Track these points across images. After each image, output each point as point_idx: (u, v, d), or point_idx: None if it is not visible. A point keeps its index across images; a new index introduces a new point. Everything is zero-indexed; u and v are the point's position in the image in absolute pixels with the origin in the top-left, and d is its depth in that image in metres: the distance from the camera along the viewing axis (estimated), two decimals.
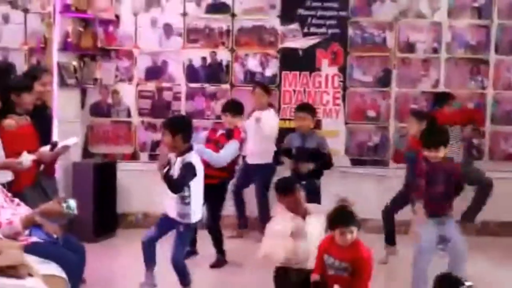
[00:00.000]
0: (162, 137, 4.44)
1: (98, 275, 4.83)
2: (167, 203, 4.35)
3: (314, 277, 3.69)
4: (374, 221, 6.32)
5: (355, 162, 6.49)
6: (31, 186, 4.28)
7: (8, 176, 4.09)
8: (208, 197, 4.77)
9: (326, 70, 6.42)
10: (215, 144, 5.25)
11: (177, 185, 4.19)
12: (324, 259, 3.64)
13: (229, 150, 5.20)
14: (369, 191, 6.37)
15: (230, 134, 5.30)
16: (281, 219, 4.25)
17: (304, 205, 4.27)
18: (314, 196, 5.03)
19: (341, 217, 3.62)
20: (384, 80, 6.44)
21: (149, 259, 4.42)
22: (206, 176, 4.59)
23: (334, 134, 6.40)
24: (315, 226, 4.23)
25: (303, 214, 4.26)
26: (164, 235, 4.43)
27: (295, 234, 4.15)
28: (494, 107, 6.41)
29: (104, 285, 4.80)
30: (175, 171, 4.24)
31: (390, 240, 5.58)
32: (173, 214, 4.30)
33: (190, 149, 4.34)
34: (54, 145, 4.44)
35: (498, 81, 6.42)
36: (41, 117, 4.63)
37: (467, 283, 2.59)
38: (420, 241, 4.34)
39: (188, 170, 4.21)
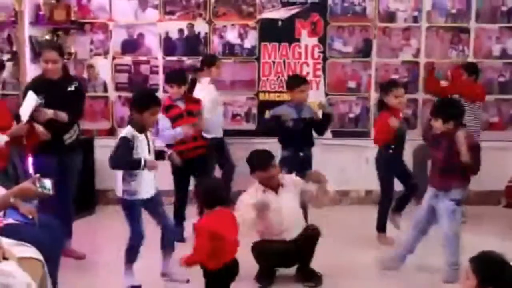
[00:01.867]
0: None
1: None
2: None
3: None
4: (355, 192, 6.52)
5: (336, 134, 6.47)
6: (4, 167, 4.21)
7: None
8: None
9: (306, 41, 6.36)
10: (190, 115, 5.21)
11: (110, 160, 4.19)
12: None
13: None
14: (350, 163, 6.42)
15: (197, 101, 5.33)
16: (250, 193, 4.33)
17: (277, 178, 4.34)
18: (303, 166, 5.07)
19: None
20: (364, 51, 6.40)
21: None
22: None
23: (315, 106, 6.25)
24: (290, 199, 4.37)
25: (276, 188, 4.33)
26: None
27: (262, 208, 4.23)
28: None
29: (85, 263, 4.79)
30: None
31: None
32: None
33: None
34: (18, 117, 4.39)
35: (479, 50, 6.42)
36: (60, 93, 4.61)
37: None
38: None
39: (120, 143, 4.17)
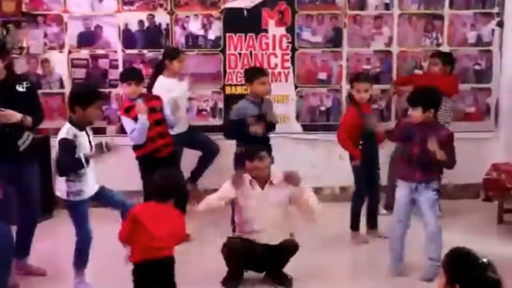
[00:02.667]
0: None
1: (34, 262, 4.64)
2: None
3: None
4: (328, 189, 6.39)
5: (307, 128, 6.34)
6: None
7: None
8: None
9: (273, 31, 6.19)
10: (154, 112, 5.05)
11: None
12: None
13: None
14: (322, 158, 6.28)
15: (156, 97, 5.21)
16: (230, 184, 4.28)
17: (265, 173, 4.22)
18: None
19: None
20: (335, 40, 6.25)
21: None
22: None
23: (284, 99, 6.24)
24: (274, 199, 4.24)
25: (263, 183, 4.24)
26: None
27: (238, 201, 4.24)
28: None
29: (43, 266, 4.64)
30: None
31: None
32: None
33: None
34: None
35: (453, 37, 6.29)
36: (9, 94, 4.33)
37: (483, 260, 2.44)
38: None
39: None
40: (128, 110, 5.02)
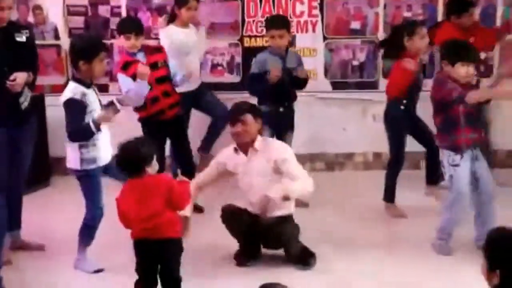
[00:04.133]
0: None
1: (32, 232, 4.47)
2: None
3: None
4: (361, 156, 6.14)
5: (337, 86, 6.02)
6: None
7: None
8: None
9: None
10: (155, 67, 4.67)
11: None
12: None
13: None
14: (355, 120, 6.01)
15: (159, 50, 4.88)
16: (223, 151, 4.20)
17: (245, 138, 4.00)
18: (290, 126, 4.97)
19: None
20: None
21: None
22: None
23: (311, 52, 5.92)
24: (259, 167, 3.98)
25: (245, 150, 4.05)
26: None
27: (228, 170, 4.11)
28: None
29: (40, 241, 4.44)
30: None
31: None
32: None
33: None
34: None
35: None
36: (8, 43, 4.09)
37: None
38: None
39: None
40: (126, 67, 4.62)
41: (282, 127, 4.84)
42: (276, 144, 4.13)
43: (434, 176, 4.91)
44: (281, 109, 4.90)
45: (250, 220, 4.03)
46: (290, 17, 5.71)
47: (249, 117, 3.97)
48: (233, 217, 4.06)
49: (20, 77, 4.00)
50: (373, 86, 5.96)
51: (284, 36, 4.85)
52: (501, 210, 4.09)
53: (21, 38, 4.14)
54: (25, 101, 4.17)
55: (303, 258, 4.00)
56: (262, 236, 4.05)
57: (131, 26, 4.76)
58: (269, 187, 3.84)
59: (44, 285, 3.84)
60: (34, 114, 4.41)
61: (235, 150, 4.06)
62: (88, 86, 3.89)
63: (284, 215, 4.00)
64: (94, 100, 3.90)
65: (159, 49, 4.87)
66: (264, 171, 3.97)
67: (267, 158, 3.97)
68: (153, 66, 4.66)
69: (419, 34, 4.65)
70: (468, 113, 4.03)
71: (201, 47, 5.48)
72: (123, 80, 4.60)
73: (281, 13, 5.76)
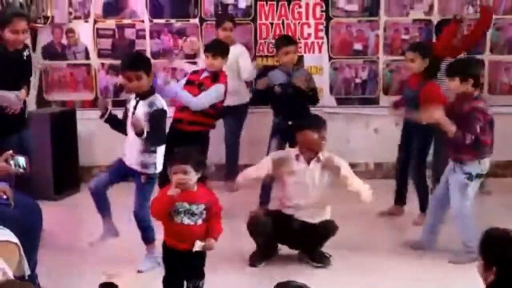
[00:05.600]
0: (125, 79, 4.20)
1: (62, 237, 4.73)
2: (128, 150, 4.20)
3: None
4: (363, 165, 6.38)
5: (342, 102, 6.34)
6: None
7: None
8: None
9: None
10: (198, 86, 5.03)
11: (159, 138, 4.11)
12: (177, 208, 3.41)
13: (212, 93, 4.99)
14: (357, 133, 6.30)
15: (216, 77, 5.06)
16: (282, 151, 4.51)
17: (313, 148, 4.24)
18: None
19: (176, 154, 3.49)
20: (371, 8, 6.24)
21: (102, 208, 4.32)
22: (190, 123, 4.86)
23: (317, 71, 6.25)
24: (318, 177, 4.24)
25: (309, 159, 4.24)
26: (115, 183, 4.32)
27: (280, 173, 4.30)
28: (495, 35, 6.23)
29: (69, 246, 4.69)
30: (139, 114, 4.09)
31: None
32: (134, 163, 4.17)
33: (154, 91, 4.23)
34: None
35: (499, 5, 6.19)
36: (19, 65, 4.53)
37: None
38: None
39: (163, 118, 4.15)
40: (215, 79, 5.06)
41: (292, 139, 4.80)
42: (336, 158, 4.35)
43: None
44: (290, 123, 5.02)
45: (281, 222, 4.22)
46: (299, 39, 6.03)
47: (318, 125, 4.26)
48: (259, 223, 4.22)
49: (23, 95, 4.52)
50: (374, 102, 6.27)
51: (290, 53, 5.16)
52: (487, 218, 4.23)
53: (25, 55, 4.57)
54: (26, 111, 4.66)
55: (320, 259, 4.27)
56: (296, 236, 4.24)
57: (212, 47, 5.09)
58: (322, 195, 4.22)
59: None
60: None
61: (297, 156, 4.28)
62: None
63: (329, 219, 4.30)
64: None
65: (216, 78, 5.04)
66: (324, 180, 4.24)
67: (330, 169, 4.25)
68: (199, 86, 5.00)
69: None
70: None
71: (244, 65, 5.78)
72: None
73: (290, 34, 6.04)
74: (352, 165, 6.05)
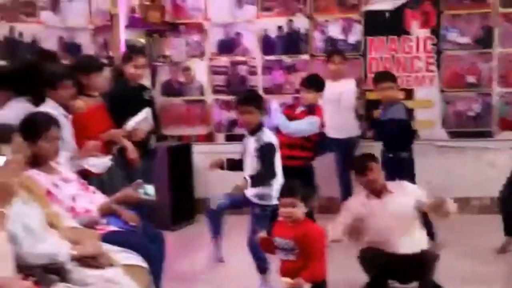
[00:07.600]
0: (240, 114, 4.46)
1: (178, 266, 4.91)
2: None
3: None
4: (476, 200, 6.30)
5: (454, 135, 6.33)
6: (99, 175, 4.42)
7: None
8: None
9: (417, 33, 6.27)
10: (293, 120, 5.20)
11: (269, 174, 4.28)
12: (275, 242, 3.56)
13: (307, 122, 5.11)
14: (471, 167, 6.24)
15: (311, 111, 5.17)
16: (355, 197, 4.43)
17: (378, 183, 4.24)
18: (401, 170, 4.99)
19: (283, 188, 3.63)
20: (484, 40, 6.21)
21: (215, 230, 4.50)
22: (288, 158, 4.78)
23: (429, 104, 6.30)
24: (396, 205, 4.20)
25: (379, 193, 4.25)
26: (234, 208, 4.51)
27: (362, 216, 4.21)
28: None
29: (188, 276, 4.85)
30: (250, 151, 4.32)
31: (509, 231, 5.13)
32: (250, 194, 4.31)
33: (262, 125, 4.41)
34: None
35: None
36: (139, 99, 4.98)
37: None
38: None
39: (271, 151, 4.30)
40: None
41: (400, 172, 4.86)
42: (405, 183, 4.33)
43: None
44: (389, 156, 5.15)
45: (387, 257, 4.12)
46: (409, 73, 6.19)
47: (372, 164, 4.23)
48: (373, 257, 4.15)
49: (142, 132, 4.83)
50: (488, 135, 6.21)
51: (389, 89, 5.19)
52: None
53: (147, 97, 5.09)
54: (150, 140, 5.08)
55: None
56: (401, 270, 4.16)
57: (308, 82, 5.23)
58: (405, 225, 4.14)
59: None
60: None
61: (367, 196, 4.26)
62: None
63: (426, 249, 4.18)
64: None
65: (312, 112, 5.15)
66: (404, 210, 4.15)
67: (407, 196, 4.18)
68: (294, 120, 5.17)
69: None
70: None
71: (346, 98, 5.97)
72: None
73: (400, 69, 6.17)
74: (465, 200, 6.18)
